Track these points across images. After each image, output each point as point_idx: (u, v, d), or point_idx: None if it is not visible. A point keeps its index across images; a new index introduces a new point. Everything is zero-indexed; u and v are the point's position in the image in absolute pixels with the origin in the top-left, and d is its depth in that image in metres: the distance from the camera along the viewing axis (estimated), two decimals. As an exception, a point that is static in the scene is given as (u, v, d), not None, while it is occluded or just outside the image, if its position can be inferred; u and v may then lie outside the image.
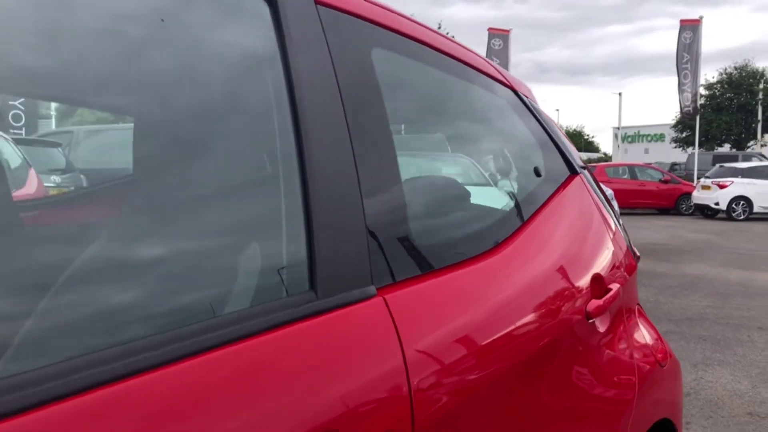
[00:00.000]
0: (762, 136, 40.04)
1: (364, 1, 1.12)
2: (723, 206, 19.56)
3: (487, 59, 1.56)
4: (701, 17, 23.36)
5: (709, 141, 40.62)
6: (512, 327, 1.14)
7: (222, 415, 0.69)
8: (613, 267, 1.60)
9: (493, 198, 1.67)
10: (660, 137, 64.19)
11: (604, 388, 1.42)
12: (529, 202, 1.45)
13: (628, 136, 66.23)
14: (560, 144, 1.68)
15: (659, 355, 1.74)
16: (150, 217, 0.86)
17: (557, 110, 79.82)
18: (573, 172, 1.68)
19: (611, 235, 1.70)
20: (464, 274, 1.11)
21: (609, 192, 8.62)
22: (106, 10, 0.83)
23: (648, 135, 68.31)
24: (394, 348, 0.89)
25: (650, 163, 31.07)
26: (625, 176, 22.04)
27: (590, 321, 1.41)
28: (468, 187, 1.46)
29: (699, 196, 20.46)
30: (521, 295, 1.21)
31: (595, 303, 1.42)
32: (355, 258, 0.92)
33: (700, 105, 28.33)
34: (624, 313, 1.62)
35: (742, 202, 19.49)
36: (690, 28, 23.18)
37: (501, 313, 1.13)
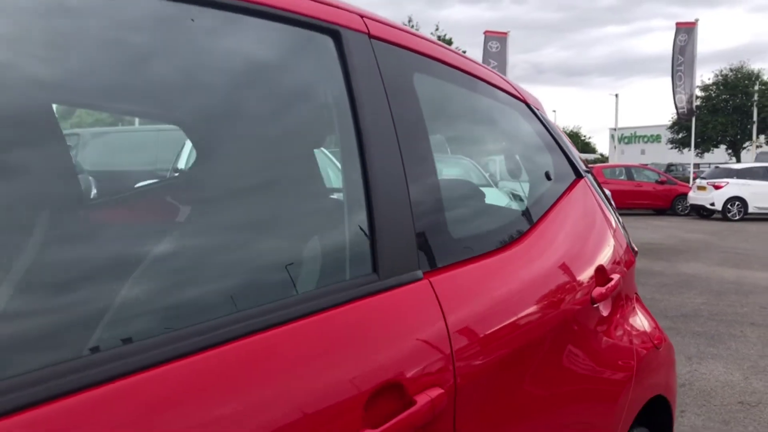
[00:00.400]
0: (757, 137, 40.28)
1: (406, 33, 1.34)
2: (718, 207, 19.81)
3: (504, 77, 1.77)
4: (697, 20, 23.63)
5: (705, 142, 40.85)
6: (533, 306, 1.36)
7: (316, 366, 0.90)
8: (614, 260, 1.82)
9: (494, 197, 1.88)
10: (656, 138, 64.45)
11: (608, 356, 1.64)
12: (542, 203, 1.66)
13: (624, 137, 66.48)
14: (567, 150, 1.90)
15: (655, 339, 1.96)
16: (244, 213, 1.06)
17: (554, 111, 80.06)
18: (578, 176, 1.89)
19: (612, 233, 1.91)
20: (492, 262, 1.33)
21: (606, 193, 8.84)
22: (208, 47, 1.03)
23: (644, 136, 68.58)
24: (438, 319, 1.11)
25: (646, 164, 31.35)
26: (622, 177, 22.27)
27: (595, 305, 1.62)
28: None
29: (695, 197, 20.71)
30: (539, 280, 1.43)
31: (599, 290, 1.64)
32: (406, 249, 1.13)
33: (696, 106, 28.58)
34: (624, 300, 1.84)
35: (737, 203, 19.75)
36: (685, 30, 23.44)
37: (523, 295, 1.35)
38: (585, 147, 74.07)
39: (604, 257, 1.76)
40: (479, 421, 1.14)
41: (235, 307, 0.89)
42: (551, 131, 1.90)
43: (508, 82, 1.78)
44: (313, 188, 1.21)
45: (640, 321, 1.93)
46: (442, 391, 1.04)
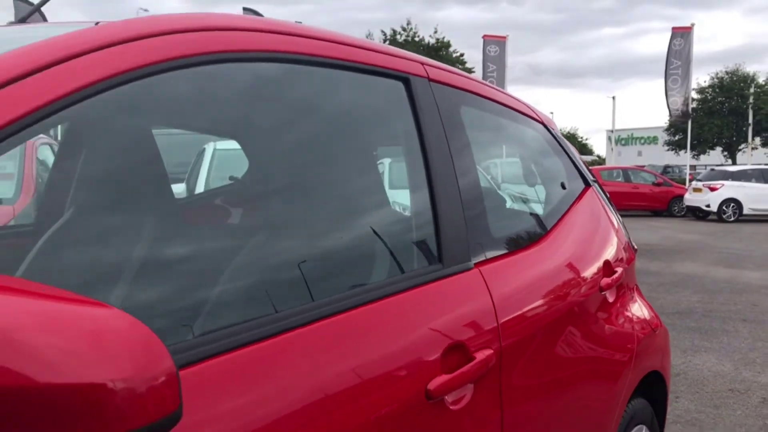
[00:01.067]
0: (753, 139, 40.72)
1: (454, 75, 1.69)
2: (714, 208, 20.18)
3: (526, 103, 2.13)
4: (693, 24, 24.05)
5: (701, 144, 41.27)
6: (556, 290, 1.71)
7: (410, 328, 1.24)
8: (617, 256, 2.17)
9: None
10: (653, 140, 64.91)
11: (613, 332, 1.99)
12: (559, 208, 2.02)
13: (621, 139, 66.88)
14: (577, 163, 2.25)
15: (653, 323, 2.31)
16: (339, 217, 1.41)
17: (552, 113, 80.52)
18: (587, 184, 2.24)
19: (615, 232, 2.26)
20: (524, 256, 1.68)
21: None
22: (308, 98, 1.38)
23: (641, 137, 69.08)
24: (487, 298, 1.45)
25: (643, 166, 31.75)
26: (619, 179, 22.63)
27: (602, 293, 1.97)
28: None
29: (691, 199, 21.09)
30: (560, 271, 1.79)
31: (605, 280, 1.99)
32: (461, 245, 1.47)
33: (692, 109, 29.00)
34: (626, 290, 2.19)
35: (732, 204, 20.13)
36: (682, 35, 23.84)
37: (548, 282, 1.71)
38: (582, 149, 74.45)
39: (609, 253, 2.11)
40: (519, 377, 1.49)
41: (350, 286, 1.24)
42: (563, 146, 2.25)
43: (529, 107, 2.13)
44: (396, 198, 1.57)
45: (640, 308, 2.28)
46: (492, 351, 1.39)
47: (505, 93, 1.99)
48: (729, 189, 20.23)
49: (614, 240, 2.21)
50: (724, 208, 20.14)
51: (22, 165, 4.45)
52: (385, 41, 49.20)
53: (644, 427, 2.27)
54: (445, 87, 1.62)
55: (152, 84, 1.00)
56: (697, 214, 21.08)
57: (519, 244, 1.73)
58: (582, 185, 2.22)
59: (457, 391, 1.27)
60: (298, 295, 1.15)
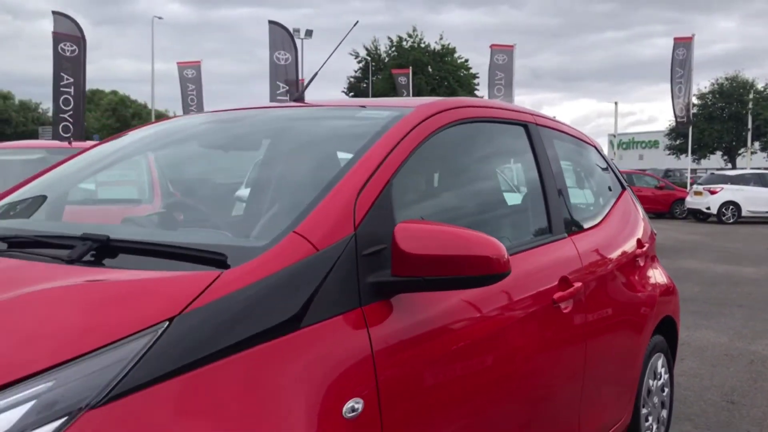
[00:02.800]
0: (752, 144, 41.67)
1: (548, 119, 2.73)
2: (714, 210, 21.19)
3: (584, 134, 3.16)
4: (693, 35, 25.16)
5: (701, 149, 42.20)
6: (611, 253, 2.76)
7: (538, 266, 2.28)
8: (645, 235, 3.21)
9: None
10: (654, 144, 65.88)
11: (641, 293, 3.03)
12: (608, 203, 3.06)
13: (623, 143, 67.86)
14: (617, 173, 3.30)
15: (668, 282, 3.35)
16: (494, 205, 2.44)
17: (554, 117, 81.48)
18: (623, 188, 3.29)
19: (642, 220, 3.30)
20: (592, 232, 2.73)
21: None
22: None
23: (642, 142, 70.09)
24: (576, 254, 2.47)
25: (645, 170, 32.76)
26: (623, 183, 23.61)
27: (636, 259, 3.01)
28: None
29: (692, 201, 22.10)
30: (612, 242, 2.83)
31: (638, 251, 3.03)
32: (561, 222, 2.50)
33: (693, 114, 30.03)
34: (650, 260, 3.23)
35: (731, 207, 21.13)
36: (683, 45, 24.90)
37: (607, 247, 2.75)
38: (584, 152, 75.24)
39: (639, 233, 3.15)
40: (593, 300, 2.52)
41: (516, 243, 2.29)
42: (607, 161, 3.30)
43: (586, 136, 3.18)
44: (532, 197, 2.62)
45: (659, 272, 3.33)
46: (581, 284, 2.41)
47: (571, 127, 3.04)
48: (728, 192, 21.23)
49: (642, 225, 3.26)
50: (723, 210, 21.14)
51: (150, 173, 5.48)
52: (391, 47, 50.25)
53: (662, 355, 3.30)
54: (544, 128, 2.67)
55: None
56: (698, 216, 22.07)
57: (588, 225, 2.78)
58: (620, 189, 3.27)
59: (566, 301, 2.30)
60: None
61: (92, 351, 1.16)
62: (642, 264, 3.09)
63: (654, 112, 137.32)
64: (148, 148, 2.86)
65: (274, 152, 2.23)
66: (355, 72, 51.74)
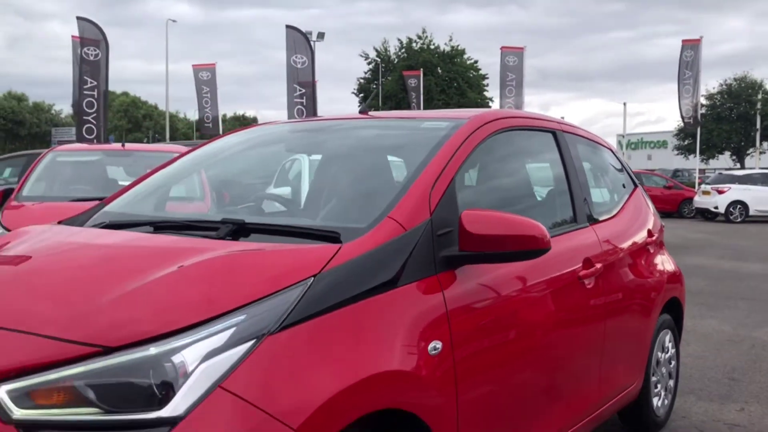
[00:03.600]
0: (761, 144, 41.84)
1: (571, 126, 3.21)
2: (722, 210, 21.56)
3: (601, 138, 3.64)
4: (701, 37, 25.53)
5: (710, 149, 42.40)
6: (626, 240, 3.23)
7: (568, 247, 2.75)
8: (654, 225, 3.69)
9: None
10: (663, 144, 65.92)
11: (652, 272, 3.50)
12: (622, 198, 3.54)
13: (631, 143, 67.92)
14: (630, 173, 3.77)
15: (674, 267, 3.82)
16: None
17: (562, 117, 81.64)
18: (635, 185, 3.76)
19: (652, 214, 3.78)
20: (609, 222, 3.20)
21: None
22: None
23: (651, 142, 70.15)
24: (596, 240, 2.94)
25: (654, 170, 33.10)
26: (632, 182, 23.97)
27: (647, 246, 3.49)
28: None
29: (700, 201, 22.46)
30: (627, 231, 3.31)
31: (648, 239, 3.51)
32: (583, 213, 2.98)
33: (701, 115, 30.34)
34: (658, 247, 3.71)
35: (739, 206, 21.48)
36: (691, 47, 25.28)
37: (622, 235, 3.23)
38: (593, 153, 75.35)
39: (650, 224, 3.63)
40: (610, 279, 2.98)
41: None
42: (622, 162, 3.78)
43: (602, 140, 3.66)
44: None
45: (667, 259, 3.80)
46: (601, 265, 2.89)
47: (590, 132, 3.52)
48: (736, 192, 21.59)
49: (652, 218, 3.74)
50: (731, 209, 21.50)
51: (200, 177, 6.00)
52: (401, 49, 50.68)
53: (669, 331, 3.77)
54: (568, 134, 3.15)
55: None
56: (706, 215, 22.42)
57: (605, 216, 3.25)
58: (633, 186, 3.75)
59: (589, 278, 2.78)
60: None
61: (268, 295, 1.65)
62: (652, 251, 3.56)
63: (662, 112, 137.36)
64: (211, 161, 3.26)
65: (358, 156, 2.72)
66: (365, 73, 52.31)
